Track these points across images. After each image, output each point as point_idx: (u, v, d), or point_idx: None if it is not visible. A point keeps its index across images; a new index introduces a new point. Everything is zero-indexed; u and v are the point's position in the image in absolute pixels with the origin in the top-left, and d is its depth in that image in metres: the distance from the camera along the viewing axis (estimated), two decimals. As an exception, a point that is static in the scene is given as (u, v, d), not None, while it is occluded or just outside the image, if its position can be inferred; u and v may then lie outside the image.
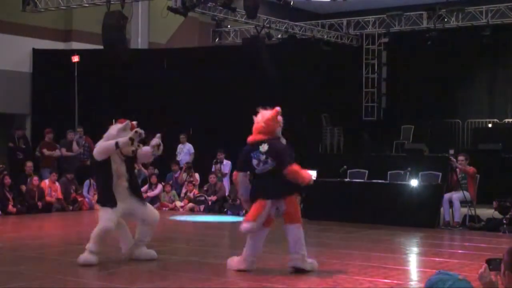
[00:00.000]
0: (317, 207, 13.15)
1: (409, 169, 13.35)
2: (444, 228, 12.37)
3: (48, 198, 14.94)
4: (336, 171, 14.18)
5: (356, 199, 13.14)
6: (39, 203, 14.61)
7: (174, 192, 16.16)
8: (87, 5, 16.12)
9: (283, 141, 7.89)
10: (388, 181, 13.77)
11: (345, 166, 14.25)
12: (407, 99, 20.95)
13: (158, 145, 8.51)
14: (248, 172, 7.97)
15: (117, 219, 8.20)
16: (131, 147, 8.20)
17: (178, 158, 17.33)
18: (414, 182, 12.87)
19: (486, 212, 12.87)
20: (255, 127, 7.89)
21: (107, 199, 8.18)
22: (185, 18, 16.58)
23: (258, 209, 7.61)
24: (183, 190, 16.20)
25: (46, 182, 15.22)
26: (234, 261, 7.89)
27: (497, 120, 19.51)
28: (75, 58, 18.20)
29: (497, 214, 12.27)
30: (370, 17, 20.51)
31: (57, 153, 16.74)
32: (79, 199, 15.46)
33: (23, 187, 14.95)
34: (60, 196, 15.21)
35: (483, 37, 18.38)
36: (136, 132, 8.25)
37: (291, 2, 17.02)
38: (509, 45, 19.61)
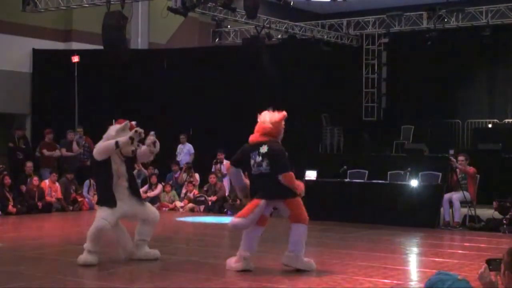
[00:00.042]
0: (317, 207, 13.09)
1: (409, 169, 13.34)
2: (444, 228, 12.38)
3: (48, 198, 14.95)
4: (336, 171, 14.19)
5: (356, 199, 13.14)
6: (39, 203, 14.61)
7: (174, 192, 16.16)
8: (87, 5, 16.10)
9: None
10: (388, 181, 13.76)
11: (345, 166, 14.26)
12: (407, 99, 20.92)
13: (154, 142, 8.49)
14: (241, 170, 8.02)
15: (115, 219, 8.17)
16: (131, 147, 8.19)
17: (178, 158, 17.35)
18: (414, 182, 12.87)
19: (486, 212, 12.88)
20: (260, 127, 7.87)
21: (107, 199, 8.17)
22: (185, 18, 16.59)
23: (251, 207, 7.64)
24: (183, 190, 16.20)
25: (46, 182, 15.23)
26: (232, 262, 7.91)
27: (497, 120, 19.48)
28: (75, 58, 18.21)
29: (497, 214, 12.27)
30: (370, 17, 20.49)
31: (57, 153, 16.75)
32: (79, 199, 15.46)
33: (23, 187, 14.96)
34: (60, 196, 15.22)
35: (483, 37, 18.36)
36: (136, 131, 8.24)
37: (291, 2, 17.01)
38: (509, 45, 19.58)
